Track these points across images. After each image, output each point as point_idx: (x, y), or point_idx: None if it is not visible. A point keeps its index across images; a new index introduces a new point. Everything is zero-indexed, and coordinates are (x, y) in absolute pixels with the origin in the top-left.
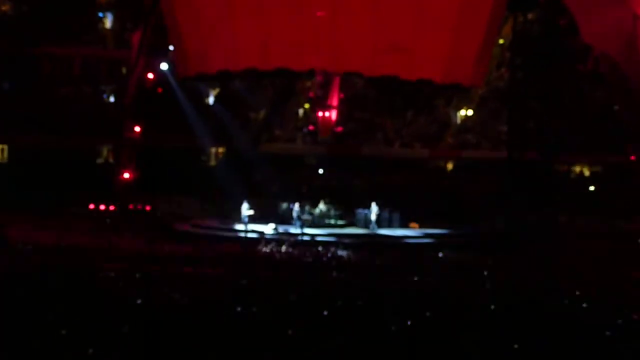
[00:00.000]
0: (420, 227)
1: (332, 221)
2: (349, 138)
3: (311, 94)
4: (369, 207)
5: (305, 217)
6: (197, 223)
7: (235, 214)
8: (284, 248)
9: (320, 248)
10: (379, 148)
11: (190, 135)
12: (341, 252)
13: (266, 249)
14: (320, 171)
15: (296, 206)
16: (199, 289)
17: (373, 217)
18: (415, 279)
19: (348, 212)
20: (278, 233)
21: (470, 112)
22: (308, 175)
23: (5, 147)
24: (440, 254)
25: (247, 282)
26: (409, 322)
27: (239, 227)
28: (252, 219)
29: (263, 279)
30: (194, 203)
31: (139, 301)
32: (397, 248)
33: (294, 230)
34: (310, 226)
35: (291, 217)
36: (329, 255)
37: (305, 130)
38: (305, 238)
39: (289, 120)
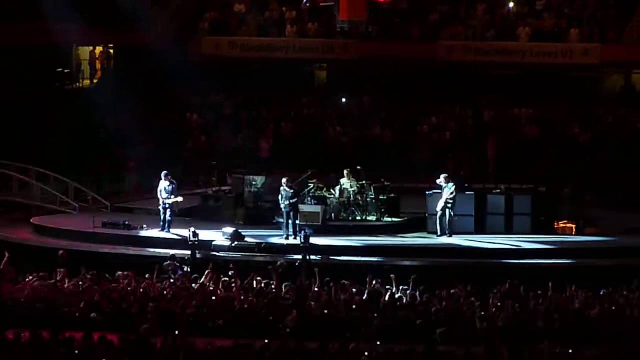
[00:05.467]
0: (600, 234)
1: (370, 215)
2: (409, 22)
3: None
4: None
5: (307, 206)
6: (41, 224)
7: (134, 194)
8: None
9: (336, 292)
10: (478, 46)
11: (32, 19)
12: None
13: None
14: (342, 100)
15: (283, 184)
16: None
17: (439, 207)
18: None
19: (407, 195)
20: (235, 245)
21: None
22: (312, 113)
23: None
24: None
25: None
26: None
27: (148, 230)
28: (178, 212)
29: None
30: (38, 177)
31: None
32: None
33: (273, 239)
34: (318, 231)
35: (270, 210)
36: None
37: (305, 3)
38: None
39: None
